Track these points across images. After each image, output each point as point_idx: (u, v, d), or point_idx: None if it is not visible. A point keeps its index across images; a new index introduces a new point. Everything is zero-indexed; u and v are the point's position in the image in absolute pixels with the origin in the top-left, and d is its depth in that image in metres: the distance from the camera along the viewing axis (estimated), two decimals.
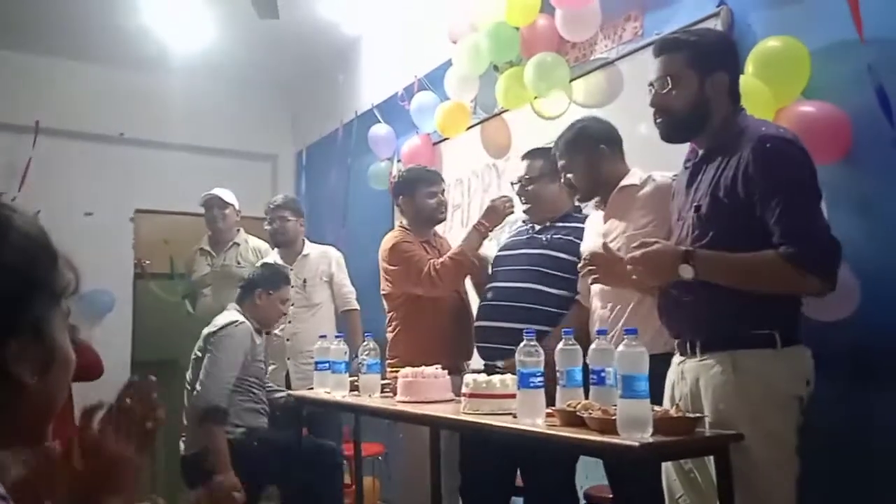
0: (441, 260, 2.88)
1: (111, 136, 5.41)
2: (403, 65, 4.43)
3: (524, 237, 2.73)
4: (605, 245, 2.00)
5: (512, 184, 2.80)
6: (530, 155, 2.75)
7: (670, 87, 1.85)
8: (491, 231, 2.92)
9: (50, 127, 5.09)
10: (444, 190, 3.15)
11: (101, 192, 5.31)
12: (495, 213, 2.89)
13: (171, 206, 5.35)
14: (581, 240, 2.49)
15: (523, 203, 2.73)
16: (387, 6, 4.65)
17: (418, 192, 3.06)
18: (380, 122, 4.55)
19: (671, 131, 1.90)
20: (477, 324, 2.69)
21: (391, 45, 4.76)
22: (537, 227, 2.69)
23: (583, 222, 2.54)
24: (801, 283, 1.65)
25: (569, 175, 2.38)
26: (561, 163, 2.40)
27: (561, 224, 2.63)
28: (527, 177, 2.68)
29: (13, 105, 5.02)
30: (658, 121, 1.90)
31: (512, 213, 2.89)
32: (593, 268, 2.03)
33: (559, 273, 2.52)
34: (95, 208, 5.28)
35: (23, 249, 0.79)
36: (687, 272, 1.70)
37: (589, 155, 2.33)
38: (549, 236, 2.62)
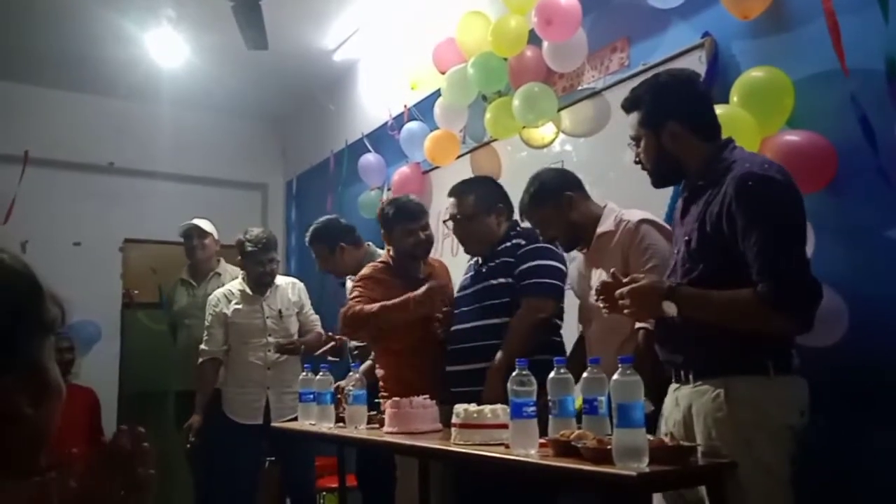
0: (370, 308, 2.73)
1: (101, 166, 5.42)
2: (393, 95, 4.46)
3: (471, 274, 2.73)
4: (613, 274, 1.92)
5: (444, 222, 2.80)
6: (459, 192, 2.70)
7: (636, 146, 1.96)
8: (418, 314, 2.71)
9: (39, 157, 5.08)
10: (424, 225, 2.92)
11: (89, 221, 5.30)
12: (429, 304, 2.68)
13: (161, 236, 5.31)
14: (514, 258, 2.53)
15: (459, 241, 2.71)
16: (376, 37, 4.70)
17: (395, 231, 2.90)
18: (370, 151, 4.57)
19: (655, 182, 1.99)
20: (447, 368, 2.67)
21: (380, 76, 4.80)
22: (480, 261, 2.69)
23: (517, 238, 2.58)
24: (775, 323, 1.63)
25: (547, 231, 2.42)
26: (533, 220, 2.44)
27: (499, 248, 2.63)
28: (458, 215, 2.66)
29: (2, 135, 5.01)
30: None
31: (445, 307, 2.72)
32: (604, 297, 1.97)
33: (497, 301, 2.54)
34: (84, 238, 5.26)
35: (10, 286, 0.80)
36: (671, 309, 1.72)
37: (556, 205, 2.37)
38: (487, 266, 2.63)
